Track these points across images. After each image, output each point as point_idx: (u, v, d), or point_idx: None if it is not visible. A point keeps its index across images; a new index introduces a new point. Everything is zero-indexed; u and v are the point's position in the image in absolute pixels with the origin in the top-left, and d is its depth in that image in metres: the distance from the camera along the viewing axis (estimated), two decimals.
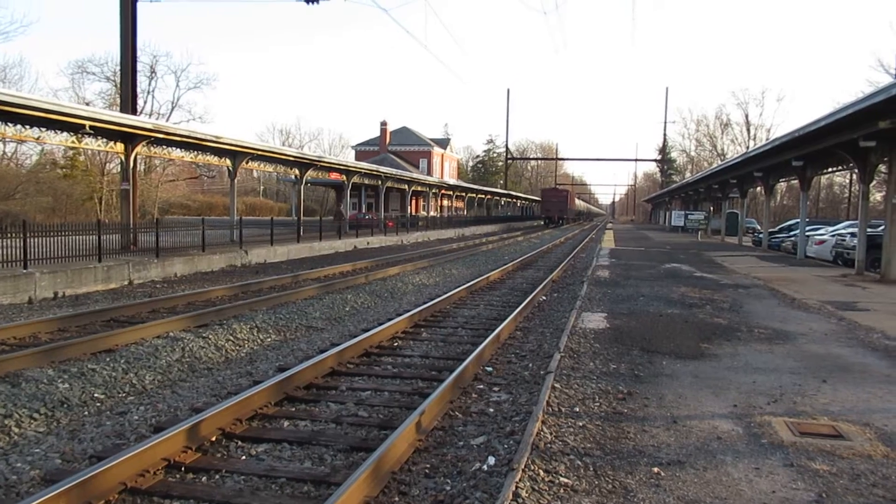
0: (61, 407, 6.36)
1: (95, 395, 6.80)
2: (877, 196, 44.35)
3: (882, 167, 20.42)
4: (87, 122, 16.60)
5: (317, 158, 31.74)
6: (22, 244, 13.48)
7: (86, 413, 6.33)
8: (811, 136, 18.65)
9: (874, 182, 30.80)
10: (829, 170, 27.93)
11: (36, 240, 14.09)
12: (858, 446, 5.03)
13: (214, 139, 21.89)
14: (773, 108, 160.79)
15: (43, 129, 16.63)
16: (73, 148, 28.16)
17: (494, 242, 36.14)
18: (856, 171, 19.70)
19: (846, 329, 9.93)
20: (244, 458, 5.22)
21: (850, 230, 23.06)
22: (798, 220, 27.76)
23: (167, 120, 50.52)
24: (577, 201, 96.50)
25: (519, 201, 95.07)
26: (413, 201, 56.08)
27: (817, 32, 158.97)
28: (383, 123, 74.34)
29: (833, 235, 24.44)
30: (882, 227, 17.91)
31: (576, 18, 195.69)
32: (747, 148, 66.50)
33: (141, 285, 15.45)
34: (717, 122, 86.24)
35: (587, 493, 4.20)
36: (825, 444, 5.05)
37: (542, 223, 71.60)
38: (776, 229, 35.22)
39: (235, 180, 26.66)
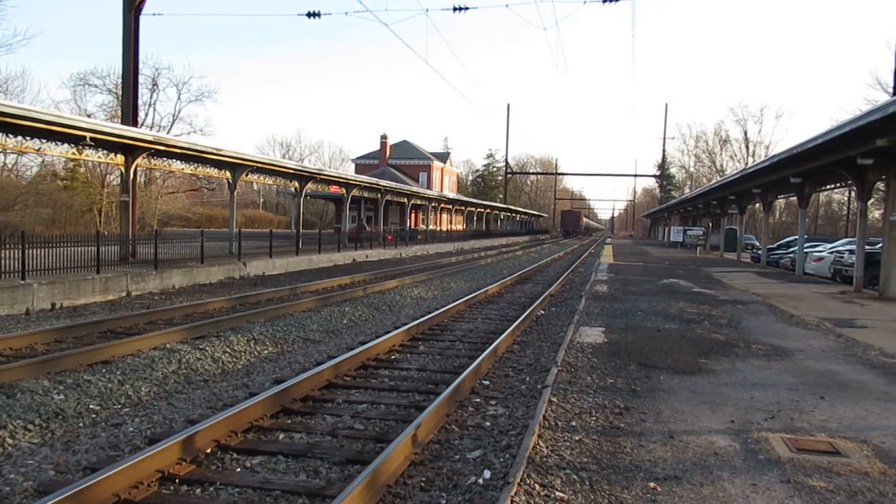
0: (56, 418, 6.33)
1: (91, 406, 6.77)
2: (875, 213, 44.39)
3: (880, 185, 20.50)
4: (88, 134, 16.65)
5: (316, 171, 31.78)
6: (20, 255, 13.49)
7: (81, 424, 6.30)
8: (809, 154, 18.72)
9: (872, 200, 30.84)
10: (828, 187, 28.00)
11: (35, 251, 14.10)
12: (856, 463, 5.01)
13: (215, 151, 21.95)
14: (772, 124, 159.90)
15: (44, 141, 16.66)
16: (73, 159, 28.23)
17: (493, 256, 36.16)
18: (854, 188, 19.75)
19: (844, 346, 9.92)
20: (239, 470, 5.20)
21: (849, 247, 23.05)
22: (797, 236, 27.80)
23: (168, 132, 50.69)
24: (584, 219, 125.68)
25: (518, 216, 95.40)
26: (412, 215, 56.12)
27: (816, 50, 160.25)
28: (383, 137, 74.43)
29: (831, 252, 24.43)
30: (880, 245, 17.93)
31: (575, 34, 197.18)
32: (746, 164, 66.67)
33: (139, 297, 15.44)
34: (716, 139, 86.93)
35: None
36: (822, 461, 5.03)
37: (561, 235, 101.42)
38: (775, 246, 35.26)
39: (235, 192, 26.70)
